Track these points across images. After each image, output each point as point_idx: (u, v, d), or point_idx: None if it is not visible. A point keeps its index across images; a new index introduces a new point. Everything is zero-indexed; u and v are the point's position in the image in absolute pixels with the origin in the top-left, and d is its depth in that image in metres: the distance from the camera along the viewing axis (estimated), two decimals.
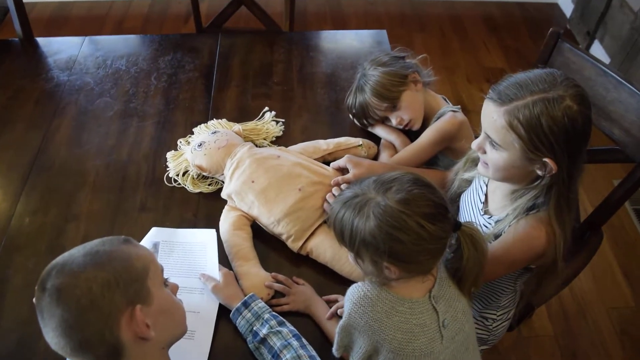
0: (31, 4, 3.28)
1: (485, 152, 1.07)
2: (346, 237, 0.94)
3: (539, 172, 1.02)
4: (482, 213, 1.19)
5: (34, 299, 0.81)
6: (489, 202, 1.20)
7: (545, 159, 0.98)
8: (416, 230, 0.88)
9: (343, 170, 1.32)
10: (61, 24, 3.23)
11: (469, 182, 1.28)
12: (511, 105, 0.98)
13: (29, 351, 0.78)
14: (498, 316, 1.33)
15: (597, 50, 2.95)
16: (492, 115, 1.01)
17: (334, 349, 1.04)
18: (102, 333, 0.79)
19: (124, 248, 0.85)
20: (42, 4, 3.33)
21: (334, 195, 1.25)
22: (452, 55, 3.13)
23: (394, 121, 1.45)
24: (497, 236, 1.11)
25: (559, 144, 0.96)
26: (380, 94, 1.41)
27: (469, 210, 1.25)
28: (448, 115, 1.41)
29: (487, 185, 1.21)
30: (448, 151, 1.43)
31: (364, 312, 0.94)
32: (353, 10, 3.43)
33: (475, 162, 1.21)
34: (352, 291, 0.97)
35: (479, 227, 1.19)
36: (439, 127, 1.40)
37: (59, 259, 0.83)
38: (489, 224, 1.16)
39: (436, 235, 0.90)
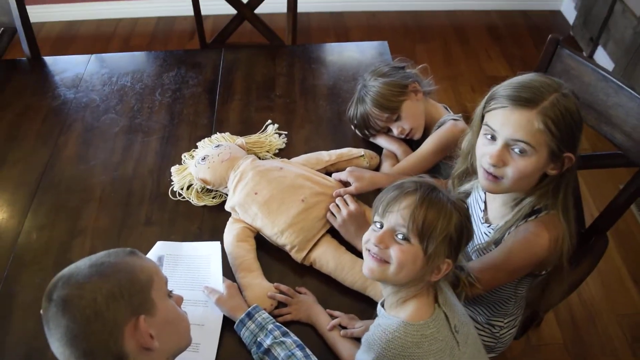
0: (40, 23, 3.34)
1: (505, 164, 1.03)
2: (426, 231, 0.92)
3: (552, 172, 1.04)
4: (482, 222, 1.19)
5: (41, 310, 0.82)
6: (488, 211, 1.20)
7: (567, 154, 1.02)
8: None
9: (345, 183, 1.33)
10: (69, 43, 3.29)
11: (467, 194, 1.28)
12: (540, 107, 0.99)
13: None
14: (505, 323, 1.32)
15: (601, 56, 2.95)
16: (523, 120, 0.99)
17: None
18: (106, 343, 0.80)
19: (128, 260, 0.86)
20: (50, 23, 3.39)
21: (337, 205, 1.26)
22: (455, 65, 3.14)
23: (395, 131, 1.46)
24: (497, 243, 1.12)
25: (576, 135, 1.02)
26: (380, 105, 1.42)
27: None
28: (449, 124, 1.42)
29: (485, 194, 1.22)
30: (450, 159, 1.43)
31: (395, 354, 0.92)
32: (356, 24, 3.46)
33: (460, 178, 1.22)
34: (374, 339, 0.95)
35: (480, 236, 1.19)
36: (440, 136, 1.41)
37: (66, 270, 0.84)
38: (490, 232, 1.16)
39: None
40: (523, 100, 1.00)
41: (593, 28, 3.00)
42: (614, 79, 1.37)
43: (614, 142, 1.40)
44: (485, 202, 1.21)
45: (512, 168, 1.03)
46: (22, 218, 1.39)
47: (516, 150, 1.01)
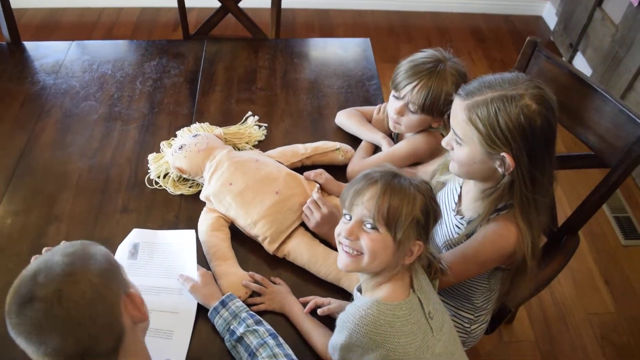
0: (22, 9, 3.30)
1: (452, 149, 1.11)
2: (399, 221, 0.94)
3: (499, 170, 1.05)
4: (455, 214, 1.21)
5: (11, 322, 0.76)
6: (462, 203, 1.23)
7: (503, 154, 1.02)
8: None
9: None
10: (51, 30, 3.24)
11: (444, 184, 1.31)
12: (472, 100, 1.03)
13: (7, 346, 0.79)
14: (475, 317, 1.34)
15: (580, 61, 3.00)
16: (455, 109, 1.06)
17: None
18: (110, 323, 0.79)
19: (91, 245, 0.85)
20: (33, 9, 3.35)
21: (309, 208, 1.26)
22: None
23: (395, 113, 1.39)
24: (469, 236, 1.14)
25: (515, 140, 1.00)
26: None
27: (444, 211, 1.27)
28: (425, 134, 1.43)
29: (461, 187, 1.24)
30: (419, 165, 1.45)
31: (367, 330, 0.94)
32: (342, 21, 3.48)
33: (445, 168, 1.24)
34: (348, 317, 0.97)
35: (451, 228, 1.22)
36: (414, 143, 1.42)
37: (33, 268, 0.79)
38: (461, 224, 1.18)
39: None
40: (464, 91, 1.05)
41: (573, 34, 3.06)
42: (589, 82, 1.40)
43: (588, 143, 1.44)
44: (460, 196, 1.23)
45: (454, 154, 1.11)
46: None
47: (455, 138, 1.09)
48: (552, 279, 1.44)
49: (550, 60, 1.49)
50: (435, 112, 1.35)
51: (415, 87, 1.33)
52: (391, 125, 1.44)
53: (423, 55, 1.36)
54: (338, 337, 0.98)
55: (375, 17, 3.53)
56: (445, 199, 1.26)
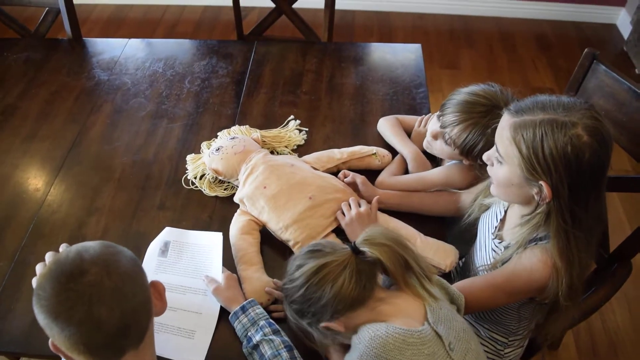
0: (92, 5, 3.45)
1: (492, 165, 1.06)
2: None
3: (536, 197, 0.98)
4: (493, 237, 1.16)
5: (48, 308, 0.78)
6: (504, 227, 1.17)
7: (541, 182, 0.95)
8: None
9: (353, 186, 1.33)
10: (118, 25, 3.38)
11: (488, 207, 1.25)
12: (520, 119, 0.97)
13: (43, 332, 0.84)
14: (509, 341, 1.28)
15: None
16: (502, 125, 1.01)
17: None
18: (145, 301, 0.84)
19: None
20: (102, 5, 3.50)
21: (349, 205, 1.26)
22: (499, 73, 3.06)
23: (431, 135, 1.36)
24: (504, 263, 1.08)
25: (557, 171, 0.93)
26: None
27: (484, 233, 1.22)
28: (463, 166, 1.35)
29: (506, 212, 1.18)
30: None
31: (376, 353, 0.91)
32: (401, 24, 3.42)
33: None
34: (361, 336, 0.95)
35: (489, 252, 1.16)
36: (448, 174, 1.36)
37: (72, 250, 0.82)
38: (499, 249, 1.13)
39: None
40: (515, 107, 0.99)
41: None
42: None
43: None
44: (502, 220, 1.18)
45: (493, 171, 1.06)
46: (45, 192, 1.44)
47: (497, 155, 1.03)
48: (596, 310, 1.35)
49: (609, 74, 1.39)
50: (468, 155, 1.28)
51: (458, 125, 1.24)
52: (424, 143, 1.40)
53: (483, 92, 1.24)
54: (351, 357, 0.96)
55: (436, 20, 3.45)
56: (487, 222, 1.21)
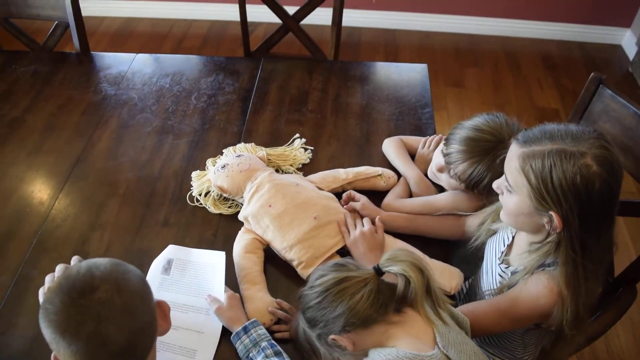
0: (100, 18, 3.48)
1: (502, 194, 1.06)
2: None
3: (546, 227, 0.98)
4: (499, 262, 1.15)
5: (57, 323, 0.78)
6: (511, 252, 1.16)
7: (552, 213, 0.94)
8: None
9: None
10: (125, 39, 3.41)
11: (495, 232, 1.25)
12: (528, 149, 0.96)
13: (45, 347, 0.83)
14: None
15: None
16: (510, 155, 1.00)
17: None
18: (152, 321, 0.84)
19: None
20: (110, 18, 3.53)
21: (353, 223, 1.27)
22: (504, 92, 3.07)
23: (436, 169, 1.36)
24: (510, 288, 1.07)
25: (567, 201, 0.92)
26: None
27: (491, 258, 1.22)
28: (471, 195, 1.33)
29: (514, 237, 1.18)
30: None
31: None
32: (407, 43, 3.44)
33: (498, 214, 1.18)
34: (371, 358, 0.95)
35: (495, 276, 1.15)
36: (455, 200, 1.35)
37: (83, 265, 0.82)
38: (505, 274, 1.12)
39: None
40: (523, 137, 0.99)
41: None
42: None
43: None
44: (510, 245, 1.18)
45: (503, 200, 1.05)
46: (50, 206, 1.44)
47: (506, 185, 1.03)
48: (602, 334, 1.34)
49: (615, 98, 1.39)
50: (474, 189, 1.26)
51: (463, 162, 1.23)
52: (429, 173, 1.40)
53: (487, 127, 1.21)
54: None
55: (442, 39, 3.47)
56: (494, 247, 1.21)
